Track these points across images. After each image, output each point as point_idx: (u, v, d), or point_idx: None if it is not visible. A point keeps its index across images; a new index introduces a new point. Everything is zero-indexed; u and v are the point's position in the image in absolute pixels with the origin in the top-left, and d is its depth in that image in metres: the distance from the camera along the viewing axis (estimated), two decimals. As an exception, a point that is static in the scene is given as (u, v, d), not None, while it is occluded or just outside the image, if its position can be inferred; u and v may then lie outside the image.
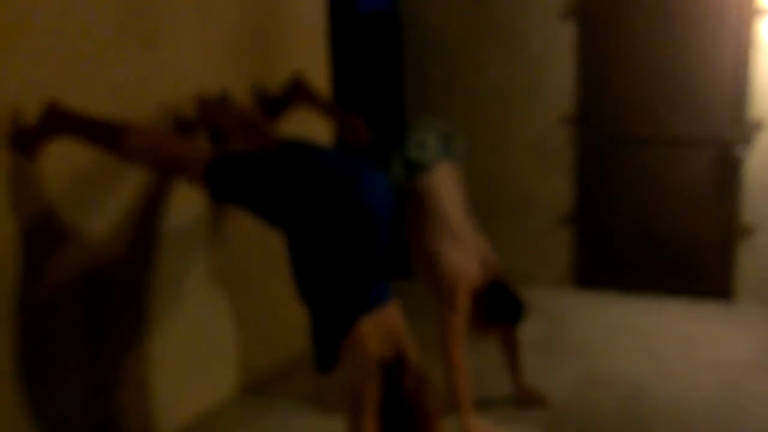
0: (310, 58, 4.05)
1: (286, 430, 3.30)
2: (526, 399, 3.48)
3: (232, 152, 2.64)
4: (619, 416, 3.37)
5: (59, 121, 2.55)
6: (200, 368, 3.43)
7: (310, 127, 3.83)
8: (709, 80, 4.75)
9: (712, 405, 3.46)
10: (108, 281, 2.92)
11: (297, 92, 3.61)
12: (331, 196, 2.38)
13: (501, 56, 5.26)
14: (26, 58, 2.52)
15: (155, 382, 3.17)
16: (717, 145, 4.80)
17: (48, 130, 2.56)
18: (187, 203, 3.27)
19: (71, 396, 2.78)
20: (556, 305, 4.96)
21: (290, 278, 2.53)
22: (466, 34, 5.33)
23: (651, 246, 5.09)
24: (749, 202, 4.80)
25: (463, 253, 3.23)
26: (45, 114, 2.56)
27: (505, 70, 5.27)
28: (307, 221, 2.41)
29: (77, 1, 2.70)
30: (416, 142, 3.26)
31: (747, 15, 4.59)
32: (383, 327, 2.40)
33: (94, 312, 2.85)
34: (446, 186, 3.32)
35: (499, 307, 3.21)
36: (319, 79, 4.06)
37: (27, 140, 2.55)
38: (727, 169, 4.81)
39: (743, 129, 4.70)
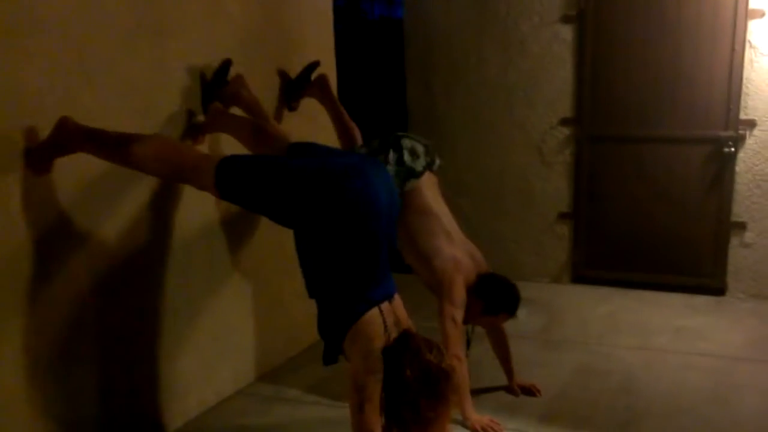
0: (318, 52, 4.12)
1: (294, 418, 3.40)
2: (520, 392, 3.58)
3: (239, 155, 2.67)
4: (613, 405, 3.46)
5: (71, 136, 2.53)
6: (220, 358, 3.55)
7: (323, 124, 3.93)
8: (702, 81, 4.85)
9: (703, 395, 3.55)
10: (130, 279, 3.00)
11: (317, 85, 3.83)
12: (334, 193, 2.39)
13: (502, 59, 5.36)
14: (40, 58, 2.52)
15: (177, 373, 3.27)
16: (710, 144, 4.91)
17: (60, 146, 2.54)
18: (202, 203, 3.33)
19: (94, 385, 2.87)
20: (554, 299, 5.07)
21: (299, 274, 2.58)
22: (468, 37, 5.42)
23: (646, 242, 5.21)
24: (741, 199, 4.92)
25: (456, 248, 3.38)
26: (56, 129, 2.53)
27: (506, 72, 5.36)
28: (313, 218, 2.43)
29: (89, 1, 2.71)
30: (409, 151, 3.42)
31: (740, 16, 4.68)
32: (390, 320, 2.43)
33: (114, 307, 2.93)
34: (432, 190, 3.51)
35: (496, 299, 3.34)
36: (327, 70, 4.11)
37: (39, 157, 2.54)
38: (719, 167, 4.92)
39: (736, 128, 4.82)
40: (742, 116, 4.80)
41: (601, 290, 5.22)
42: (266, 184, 2.47)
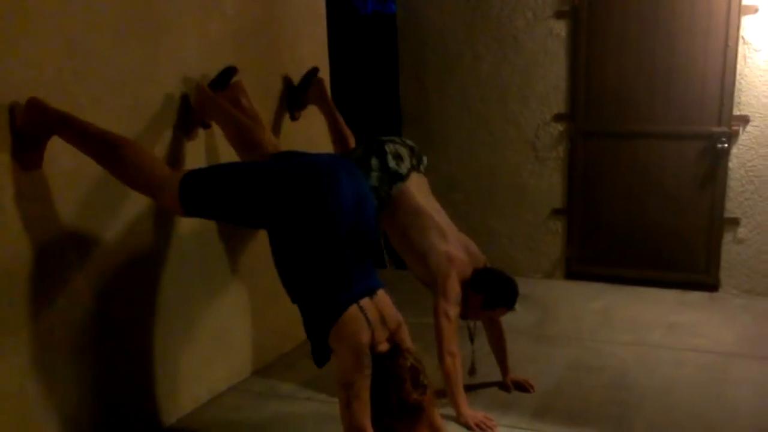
0: (312, 52, 4.13)
1: (288, 413, 3.41)
2: (513, 388, 3.59)
3: (199, 168, 2.65)
4: (606, 401, 3.48)
5: (42, 117, 2.46)
6: (214, 355, 3.55)
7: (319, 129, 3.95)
8: (696, 76, 4.86)
9: (696, 391, 3.57)
10: (124, 276, 2.99)
11: (315, 90, 3.90)
12: (302, 194, 2.41)
13: (496, 54, 5.35)
14: (31, 56, 2.50)
15: (171, 369, 3.27)
16: (703, 140, 4.92)
17: (35, 131, 2.48)
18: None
19: (90, 382, 2.86)
20: (547, 295, 5.08)
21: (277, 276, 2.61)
22: (462, 33, 5.42)
23: (639, 237, 5.22)
24: (734, 195, 4.93)
25: (450, 244, 3.39)
26: (26, 110, 2.46)
27: (499, 68, 5.37)
28: (277, 220, 2.46)
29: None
30: (393, 155, 3.43)
31: (733, 12, 4.69)
32: (374, 316, 2.45)
33: (108, 305, 2.93)
34: (422, 191, 3.53)
35: (495, 292, 3.35)
36: (320, 66, 4.13)
37: (23, 145, 2.49)
38: (712, 163, 4.94)
39: (729, 124, 4.83)
40: (736, 112, 4.81)
41: (595, 286, 5.23)
42: (229, 190, 2.50)
